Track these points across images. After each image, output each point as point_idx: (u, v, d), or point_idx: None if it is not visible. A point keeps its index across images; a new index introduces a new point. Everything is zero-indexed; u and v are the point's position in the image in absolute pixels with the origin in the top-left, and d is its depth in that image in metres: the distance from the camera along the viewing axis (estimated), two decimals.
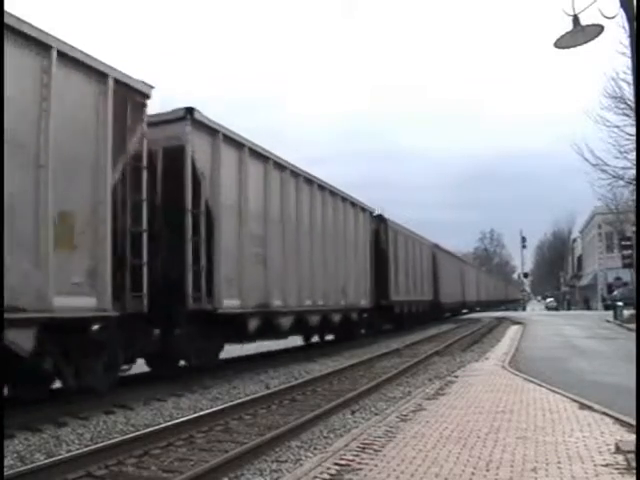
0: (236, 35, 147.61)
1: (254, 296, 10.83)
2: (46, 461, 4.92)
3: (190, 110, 9.29)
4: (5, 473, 4.31)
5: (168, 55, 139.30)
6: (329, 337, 17.35)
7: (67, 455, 5.12)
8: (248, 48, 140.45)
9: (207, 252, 9.52)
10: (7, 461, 5.01)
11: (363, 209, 18.32)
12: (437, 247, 30.72)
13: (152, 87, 8.31)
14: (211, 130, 9.87)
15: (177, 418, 6.75)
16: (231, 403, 7.58)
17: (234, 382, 9.68)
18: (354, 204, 17.30)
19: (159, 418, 6.98)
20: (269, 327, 11.57)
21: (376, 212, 19.99)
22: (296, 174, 13.20)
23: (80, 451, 5.25)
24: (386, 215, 20.83)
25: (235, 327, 10.46)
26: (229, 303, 9.95)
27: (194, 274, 9.20)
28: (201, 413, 6.92)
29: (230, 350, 12.19)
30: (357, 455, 4.78)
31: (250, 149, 10.95)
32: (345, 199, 16.45)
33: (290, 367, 11.63)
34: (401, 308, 21.92)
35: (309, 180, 13.93)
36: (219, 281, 9.72)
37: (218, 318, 9.73)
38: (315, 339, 16.78)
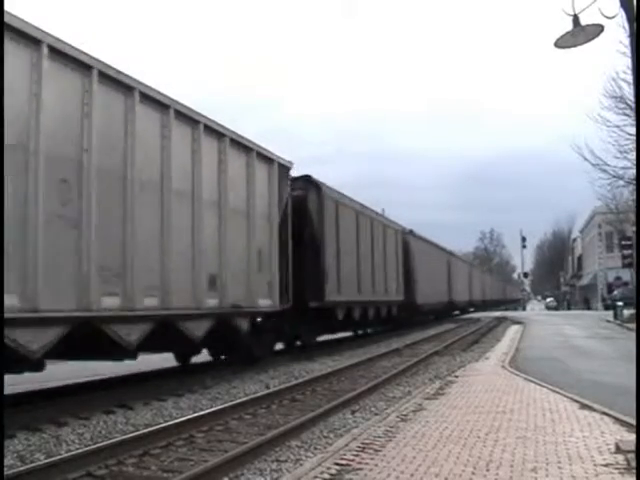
0: (235, 35, 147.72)
1: None
2: (46, 461, 4.92)
3: None
4: (5, 473, 4.30)
5: (167, 56, 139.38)
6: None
7: (67, 455, 5.12)
8: (247, 47, 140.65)
9: None
10: (7, 461, 5.01)
11: (266, 159, 11.41)
12: (412, 234, 24.66)
13: None
14: None
15: (177, 418, 6.74)
16: (231, 403, 7.57)
17: (234, 382, 9.67)
18: (244, 146, 10.64)
19: (159, 418, 6.98)
20: None
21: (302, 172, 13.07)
22: (107, 77, 7.30)
23: (80, 451, 5.24)
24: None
25: None
26: None
27: None
28: (201, 413, 6.91)
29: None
30: (357, 455, 4.77)
31: None
32: (222, 135, 9.89)
33: (290, 367, 11.61)
34: (348, 312, 15.86)
35: (141, 94, 7.86)
36: None
37: None
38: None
